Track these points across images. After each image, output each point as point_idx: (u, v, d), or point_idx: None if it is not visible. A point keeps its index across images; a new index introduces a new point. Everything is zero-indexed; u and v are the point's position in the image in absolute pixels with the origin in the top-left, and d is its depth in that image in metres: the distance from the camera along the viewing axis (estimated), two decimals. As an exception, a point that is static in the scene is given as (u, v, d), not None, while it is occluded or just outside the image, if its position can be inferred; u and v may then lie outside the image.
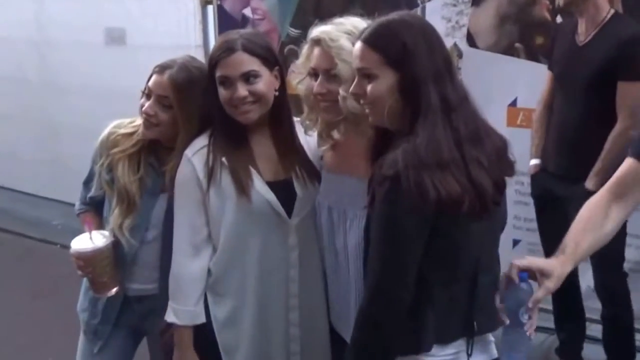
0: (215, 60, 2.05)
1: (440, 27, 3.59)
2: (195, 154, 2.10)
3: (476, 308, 1.74)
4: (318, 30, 1.97)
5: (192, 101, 2.16)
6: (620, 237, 3.03)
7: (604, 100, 2.93)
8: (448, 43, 3.62)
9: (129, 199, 2.25)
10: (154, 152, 2.29)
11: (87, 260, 2.21)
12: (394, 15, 1.75)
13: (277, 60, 2.12)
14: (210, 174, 2.07)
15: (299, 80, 2.07)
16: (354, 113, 1.89)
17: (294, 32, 4.10)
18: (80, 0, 5.45)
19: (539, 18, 3.45)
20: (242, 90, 2.03)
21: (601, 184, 2.91)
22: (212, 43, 4.43)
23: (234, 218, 2.09)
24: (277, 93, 2.10)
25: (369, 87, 1.72)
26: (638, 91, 2.91)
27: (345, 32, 1.93)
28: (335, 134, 2.08)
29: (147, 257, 2.30)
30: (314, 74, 1.99)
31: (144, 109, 2.20)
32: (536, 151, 3.26)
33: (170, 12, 4.87)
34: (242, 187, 2.06)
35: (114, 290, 2.28)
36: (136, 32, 5.25)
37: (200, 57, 4.52)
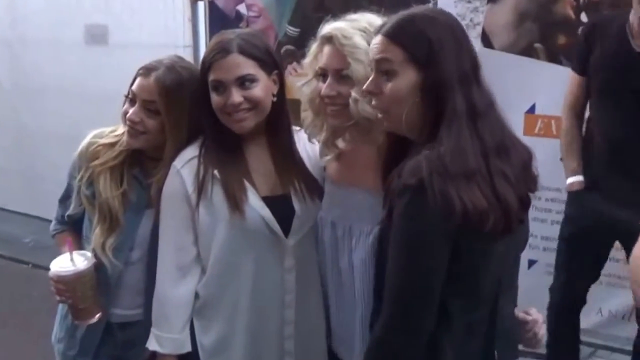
0: (208, 63, 2.03)
1: (453, 25, 3.61)
2: (185, 166, 2.07)
3: (497, 336, 1.72)
4: (330, 27, 1.94)
5: (180, 106, 2.13)
6: None
7: None
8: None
9: (112, 215, 2.22)
10: (139, 163, 2.26)
11: (68, 283, 2.17)
12: (418, 9, 1.73)
13: (275, 63, 2.10)
14: (201, 188, 2.05)
15: (304, 81, 2.05)
16: (367, 118, 1.86)
17: (292, 31, 4.08)
18: (58, -6, 5.46)
19: (562, 16, 3.44)
20: (237, 96, 2.00)
21: None
22: (203, 43, 4.43)
23: (225, 236, 2.06)
24: (275, 99, 2.08)
25: (387, 86, 1.68)
26: None
27: (360, 29, 1.90)
28: (341, 143, 2.05)
29: (132, 279, 2.28)
30: (322, 74, 1.96)
31: (128, 115, 2.17)
32: (576, 168, 3.15)
33: (157, 8, 4.87)
34: (236, 203, 2.03)
35: (97, 316, 2.23)
36: (119, 29, 5.25)
37: (189, 57, 4.52)
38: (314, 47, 2.00)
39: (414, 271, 1.59)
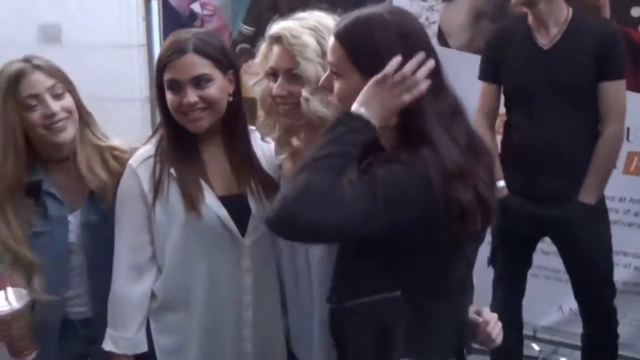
0: (164, 62, 2.02)
1: (408, 24, 3.60)
2: (141, 165, 2.07)
3: (464, 333, 1.74)
4: (278, 26, 1.93)
5: None
6: (606, 251, 3.06)
7: (586, 106, 2.91)
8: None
9: (25, 262, 2.15)
10: (47, 175, 2.20)
11: (4, 323, 2.10)
12: (376, 9, 1.67)
13: (231, 63, 2.09)
14: (157, 187, 2.04)
15: (255, 81, 2.03)
16: (319, 117, 1.85)
17: (246, 29, 4.07)
18: (11, -6, 5.36)
19: (517, 15, 3.45)
20: (193, 95, 1.99)
21: (599, 194, 2.96)
22: (157, 41, 4.41)
23: (181, 236, 2.05)
24: (231, 98, 2.07)
25: (336, 85, 1.67)
26: (622, 90, 2.92)
27: (308, 27, 1.89)
28: (295, 141, 2.04)
29: (81, 280, 2.25)
30: (272, 74, 1.95)
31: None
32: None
33: (110, 7, 4.81)
34: (192, 202, 2.02)
35: (34, 354, 2.18)
36: (73, 29, 5.17)
37: (144, 57, 4.49)
38: (263, 46, 1.99)
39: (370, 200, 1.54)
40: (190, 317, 2.10)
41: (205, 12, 4.25)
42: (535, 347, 3.93)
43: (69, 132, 2.17)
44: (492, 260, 3.31)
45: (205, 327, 2.10)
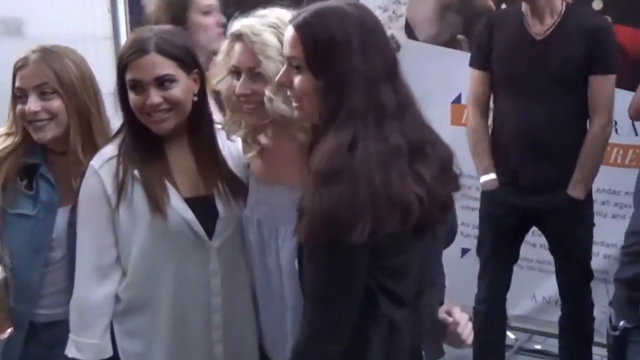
0: (125, 62, 1.98)
1: (375, 17, 3.59)
2: (103, 166, 2.02)
3: (423, 333, 1.72)
4: (239, 24, 1.91)
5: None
6: (588, 236, 3.09)
7: (574, 98, 2.95)
8: (384, 35, 3.63)
9: None
10: (46, 161, 2.22)
11: None
12: (333, 3, 1.67)
13: (196, 62, 2.05)
14: (120, 189, 2.00)
15: (218, 79, 2.00)
16: (283, 116, 1.83)
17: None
18: (-32, -14, 5.26)
19: (483, 7, 3.49)
20: (156, 96, 1.95)
21: (587, 188, 2.99)
22: (123, 34, 4.36)
23: (146, 238, 2.01)
24: (195, 98, 2.04)
25: (295, 79, 1.66)
26: (612, 85, 2.95)
27: (269, 25, 1.87)
28: (263, 139, 2.02)
29: (55, 278, 2.22)
30: (235, 72, 1.93)
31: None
32: (488, 166, 3.17)
33: (75, -1, 4.74)
34: (157, 204, 1.99)
35: (8, 331, 2.16)
36: (35, 21, 5.08)
37: (110, 49, 4.42)
38: (225, 44, 1.96)
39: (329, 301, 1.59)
40: (156, 320, 2.07)
41: (172, 4, 4.20)
42: (511, 335, 3.96)
43: (48, 134, 2.17)
44: (478, 251, 3.34)
45: (173, 330, 2.07)
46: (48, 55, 2.16)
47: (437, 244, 1.77)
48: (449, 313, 1.84)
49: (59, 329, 2.19)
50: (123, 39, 4.33)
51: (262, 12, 1.93)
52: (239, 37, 1.90)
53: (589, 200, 3.10)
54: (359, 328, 1.63)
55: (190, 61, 2.02)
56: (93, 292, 2.03)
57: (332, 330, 1.60)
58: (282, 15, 1.89)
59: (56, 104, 2.15)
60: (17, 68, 2.16)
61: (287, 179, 1.93)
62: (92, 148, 2.13)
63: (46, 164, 2.21)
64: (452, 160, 1.73)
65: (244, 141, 2.05)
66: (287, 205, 1.88)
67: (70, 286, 2.11)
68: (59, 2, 4.88)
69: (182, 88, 1.99)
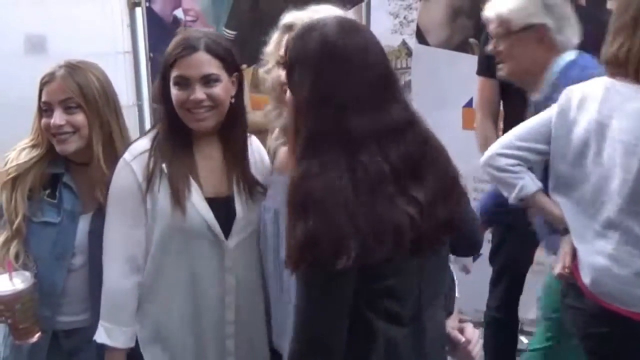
0: (173, 59, 2.03)
1: (386, 23, 3.62)
2: (136, 158, 2.08)
3: (426, 347, 1.71)
4: (292, 16, 1.97)
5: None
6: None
7: None
8: (396, 40, 3.64)
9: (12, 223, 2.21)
10: (68, 171, 2.26)
11: (7, 304, 2.13)
12: (321, 22, 1.66)
13: (237, 65, 2.11)
14: (149, 181, 2.05)
15: (266, 68, 2.06)
16: None
17: (229, 33, 4.06)
18: (-5, 4, 5.33)
19: (493, 11, 3.47)
20: (200, 93, 2.01)
21: None
22: (142, 49, 4.38)
23: (164, 231, 2.06)
24: (233, 100, 2.09)
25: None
26: None
27: None
28: None
29: (76, 285, 2.25)
30: (283, 63, 1.94)
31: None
32: None
33: (95, 16, 4.79)
34: (177, 198, 2.04)
35: (37, 336, 2.19)
36: (58, 38, 5.15)
37: (130, 63, 4.47)
38: (275, 35, 2.02)
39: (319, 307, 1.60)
40: (171, 312, 2.11)
41: (188, 18, 4.25)
42: (524, 340, 3.93)
43: (71, 146, 2.20)
44: (491, 259, 3.32)
45: (188, 323, 2.11)
46: (73, 70, 2.20)
47: (441, 259, 1.77)
48: (461, 330, 1.84)
49: (79, 337, 2.25)
50: (142, 53, 4.38)
51: (314, 7, 1.98)
52: (290, 28, 1.95)
53: None
54: (358, 349, 1.64)
55: (233, 64, 2.08)
56: (124, 280, 2.08)
57: (315, 350, 1.61)
58: (332, 11, 1.93)
59: (79, 118, 2.19)
60: (44, 83, 2.21)
61: None
62: (114, 158, 2.18)
63: (68, 174, 2.26)
64: (456, 178, 1.72)
65: (282, 130, 2.08)
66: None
67: (89, 293, 2.17)
68: (80, 19, 4.95)
69: (224, 88, 2.05)
